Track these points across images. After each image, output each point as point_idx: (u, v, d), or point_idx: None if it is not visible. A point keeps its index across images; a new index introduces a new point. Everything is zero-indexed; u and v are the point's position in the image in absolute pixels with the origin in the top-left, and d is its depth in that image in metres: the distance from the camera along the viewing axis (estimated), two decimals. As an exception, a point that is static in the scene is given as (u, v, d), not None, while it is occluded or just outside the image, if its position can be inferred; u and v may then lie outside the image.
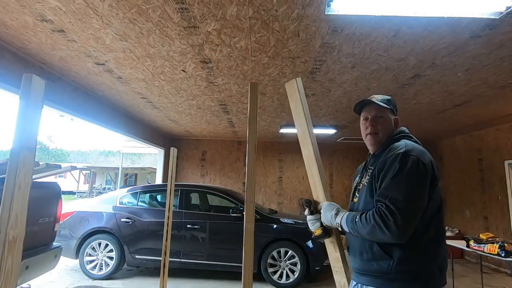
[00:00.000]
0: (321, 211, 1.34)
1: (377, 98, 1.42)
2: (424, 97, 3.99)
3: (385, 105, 1.39)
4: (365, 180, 1.34)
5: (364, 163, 1.50)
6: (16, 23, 2.47)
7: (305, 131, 1.44)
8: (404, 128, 1.41)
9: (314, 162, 1.40)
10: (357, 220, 1.18)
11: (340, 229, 1.29)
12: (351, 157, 7.97)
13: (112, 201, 4.74)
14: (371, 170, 1.32)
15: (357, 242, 1.28)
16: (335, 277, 1.37)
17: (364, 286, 1.24)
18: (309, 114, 1.46)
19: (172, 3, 2.13)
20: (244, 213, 1.16)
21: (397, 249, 1.14)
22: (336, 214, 1.27)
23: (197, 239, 4.45)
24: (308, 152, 1.44)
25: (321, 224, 1.34)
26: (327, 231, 1.34)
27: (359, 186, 1.39)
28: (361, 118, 1.46)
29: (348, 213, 1.26)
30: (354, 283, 1.32)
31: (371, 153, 1.44)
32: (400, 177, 1.15)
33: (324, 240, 1.37)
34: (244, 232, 1.13)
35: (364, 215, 1.18)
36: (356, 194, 1.39)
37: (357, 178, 1.48)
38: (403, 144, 1.27)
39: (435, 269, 1.16)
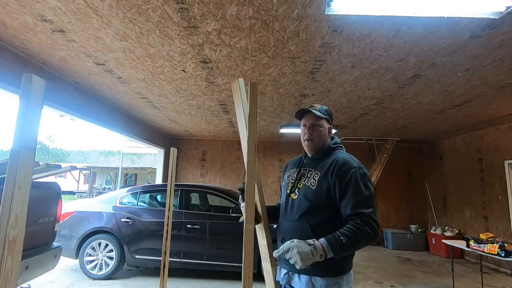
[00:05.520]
0: (293, 253, 1.25)
1: (316, 107, 1.56)
2: (424, 97, 3.99)
3: (322, 115, 1.53)
4: (309, 182, 1.47)
5: (297, 162, 1.65)
6: (16, 23, 2.47)
7: (243, 129, 1.51)
8: (338, 139, 1.61)
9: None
10: (345, 241, 1.26)
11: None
12: (351, 157, 7.97)
13: (112, 201, 4.73)
14: (314, 174, 1.47)
15: (293, 237, 1.40)
16: (263, 263, 1.46)
17: (296, 274, 1.41)
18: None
19: (172, 3, 2.13)
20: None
21: None
22: (314, 251, 1.25)
23: (197, 239, 4.44)
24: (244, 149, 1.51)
25: None
26: (256, 217, 1.43)
27: (299, 185, 1.51)
28: (301, 124, 1.61)
29: (326, 242, 1.26)
30: (285, 271, 1.46)
31: (309, 156, 1.58)
32: (369, 192, 1.37)
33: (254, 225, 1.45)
34: (244, 232, 1.13)
35: (351, 233, 1.27)
36: (296, 191, 1.51)
37: (291, 175, 1.60)
38: (347, 157, 1.46)
39: (349, 258, 1.43)
